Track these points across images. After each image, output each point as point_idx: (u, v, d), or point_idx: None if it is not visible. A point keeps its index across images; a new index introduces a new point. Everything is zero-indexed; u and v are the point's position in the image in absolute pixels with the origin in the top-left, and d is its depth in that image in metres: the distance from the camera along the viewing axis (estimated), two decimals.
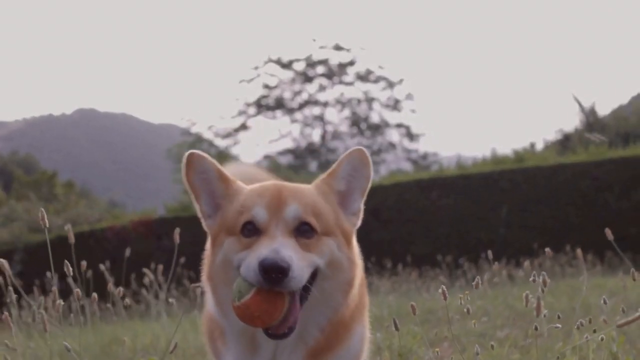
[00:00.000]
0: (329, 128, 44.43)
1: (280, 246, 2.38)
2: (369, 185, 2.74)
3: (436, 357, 3.37)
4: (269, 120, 44.38)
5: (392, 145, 43.49)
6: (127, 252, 8.14)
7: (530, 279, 3.20)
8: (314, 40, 43.95)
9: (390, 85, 43.29)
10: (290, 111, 44.03)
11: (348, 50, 43.29)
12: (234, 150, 39.80)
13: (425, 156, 43.30)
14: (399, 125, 43.44)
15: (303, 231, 2.51)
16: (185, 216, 18.33)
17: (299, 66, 43.52)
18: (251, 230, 2.52)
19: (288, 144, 44.30)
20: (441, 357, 3.70)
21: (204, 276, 2.75)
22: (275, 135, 44.74)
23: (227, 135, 41.58)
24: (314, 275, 2.51)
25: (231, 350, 2.74)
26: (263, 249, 2.37)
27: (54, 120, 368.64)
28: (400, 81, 43.39)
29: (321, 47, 43.32)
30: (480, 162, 19.94)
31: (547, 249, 4.15)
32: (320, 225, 2.55)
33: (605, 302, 3.54)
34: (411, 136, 43.35)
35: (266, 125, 60.52)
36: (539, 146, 30.11)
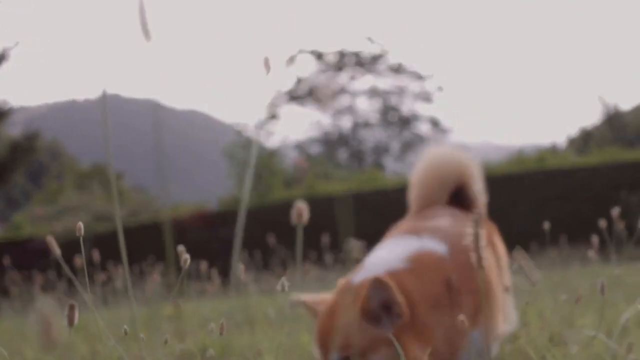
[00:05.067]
0: (359, 119, 44.75)
1: None
2: None
3: None
4: (299, 110, 45.85)
5: (421, 139, 43.65)
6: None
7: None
8: (345, 33, 44.76)
9: (421, 78, 43.65)
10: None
11: (379, 43, 43.75)
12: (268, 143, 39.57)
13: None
14: (428, 119, 43.88)
15: None
16: (237, 210, 20.16)
17: (331, 57, 43.90)
18: None
19: (318, 132, 44.94)
20: None
21: None
22: (305, 124, 45.41)
23: (259, 126, 42.07)
24: None
25: None
26: None
27: (78, 105, 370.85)
28: (431, 76, 43.86)
29: (352, 40, 43.82)
30: (504, 162, 21.38)
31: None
32: None
33: None
34: (441, 130, 43.71)
35: (296, 114, 61.64)
36: (562, 142, 30.88)
